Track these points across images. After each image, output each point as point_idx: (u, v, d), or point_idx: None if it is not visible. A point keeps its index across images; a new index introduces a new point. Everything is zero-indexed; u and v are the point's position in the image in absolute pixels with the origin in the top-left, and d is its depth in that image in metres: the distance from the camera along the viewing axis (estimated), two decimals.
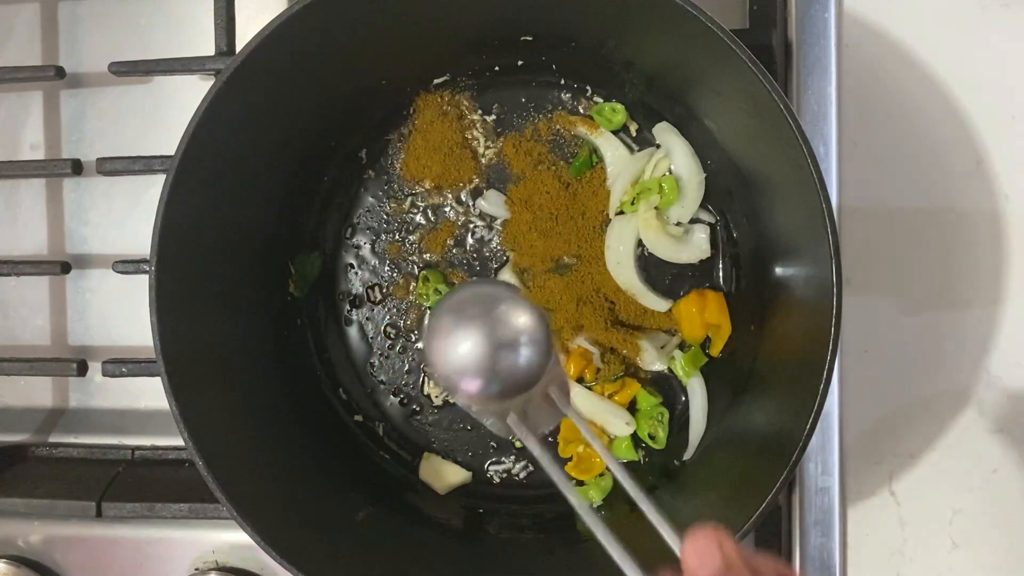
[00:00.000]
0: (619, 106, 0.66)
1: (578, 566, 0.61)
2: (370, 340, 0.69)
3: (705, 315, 0.64)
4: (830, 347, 0.50)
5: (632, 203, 0.65)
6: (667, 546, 0.44)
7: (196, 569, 0.67)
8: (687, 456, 0.65)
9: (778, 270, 0.60)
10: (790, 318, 0.58)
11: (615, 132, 0.67)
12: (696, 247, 0.65)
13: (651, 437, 0.66)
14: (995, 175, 0.68)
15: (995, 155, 0.68)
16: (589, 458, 0.66)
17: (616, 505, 0.66)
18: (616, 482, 0.66)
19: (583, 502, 0.45)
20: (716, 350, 0.65)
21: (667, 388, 0.67)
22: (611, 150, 0.66)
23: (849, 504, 0.67)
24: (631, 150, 0.67)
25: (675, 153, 0.65)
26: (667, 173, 0.65)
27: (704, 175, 0.64)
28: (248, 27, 0.68)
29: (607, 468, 0.66)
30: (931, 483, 0.68)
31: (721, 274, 0.67)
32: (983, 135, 0.68)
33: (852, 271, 0.67)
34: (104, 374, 0.67)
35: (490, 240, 0.68)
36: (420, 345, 0.69)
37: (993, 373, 0.68)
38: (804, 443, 0.51)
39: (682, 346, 0.67)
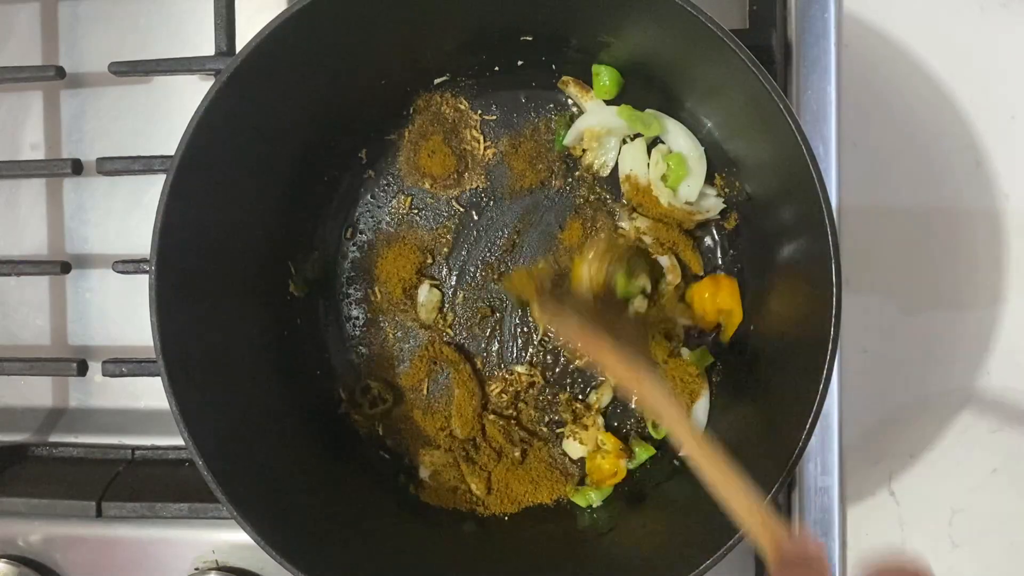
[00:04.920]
0: (615, 72, 0.65)
1: (580, 565, 0.61)
2: (370, 340, 0.69)
3: (717, 300, 0.64)
4: (830, 347, 0.50)
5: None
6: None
7: (196, 569, 0.67)
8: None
9: (778, 271, 0.60)
10: (790, 318, 0.59)
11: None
12: (709, 206, 0.65)
13: (654, 426, 0.66)
14: (995, 175, 0.68)
15: (995, 155, 0.68)
16: (600, 469, 0.66)
17: (615, 504, 0.66)
18: (617, 484, 0.66)
19: None
20: (727, 336, 0.65)
21: None
22: (599, 114, 0.66)
23: (849, 504, 0.67)
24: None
25: (670, 133, 0.65)
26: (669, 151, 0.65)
27: (703, 148, 0.64)
28: (248, 27, 0.67)
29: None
30: (931, 483, 0.68)
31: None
32: (983, 135, 0.68)
33: (852, 271, 0.67)
34: (104, 374, 0.67)
35: (490, 240, 0.69)
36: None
37: (993, 373, 0.68)
38: (804, 443, 0.51)
39: (688, 344, 0.67)
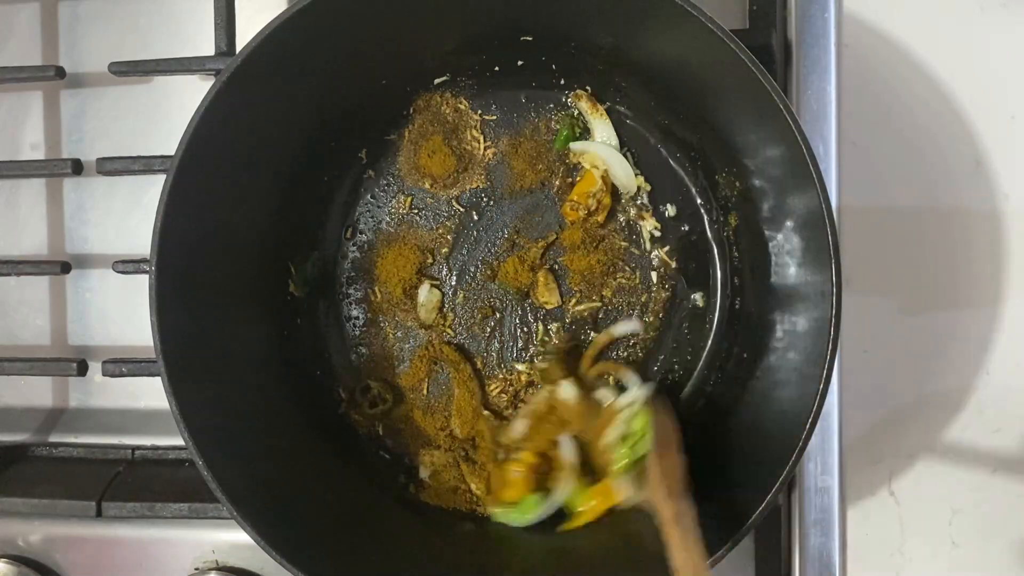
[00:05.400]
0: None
1: (579, 565, 0.61)
2: (370, 340, 0.69)
3: None
4: (830, 347, 0.50)
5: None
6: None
7: (196, 569, 0.67)
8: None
9: (777, 271, 0.60)
10: (790, 318, 0.59)
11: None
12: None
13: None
14: (995, 175, 0.68)
15: (994, 155, 0.68)
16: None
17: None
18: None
19: None
20: None
21: None
22: (604, 131, 0.67)
23: (849, 504, 0.67)
24: (619, 148, 0.67)
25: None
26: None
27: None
28: (248, 27, 0.68)
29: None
30: (931, 483, 0.68)
31: (719, 277, 0.67)
32: (982, 135, 0.68)
33: (852, 271, 0.67)
34: (104, 374, 0.67)
35: (490, 240, 0.69)
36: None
37: (993, 373, 0.68)
38: (804, 443, 0.51)
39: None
